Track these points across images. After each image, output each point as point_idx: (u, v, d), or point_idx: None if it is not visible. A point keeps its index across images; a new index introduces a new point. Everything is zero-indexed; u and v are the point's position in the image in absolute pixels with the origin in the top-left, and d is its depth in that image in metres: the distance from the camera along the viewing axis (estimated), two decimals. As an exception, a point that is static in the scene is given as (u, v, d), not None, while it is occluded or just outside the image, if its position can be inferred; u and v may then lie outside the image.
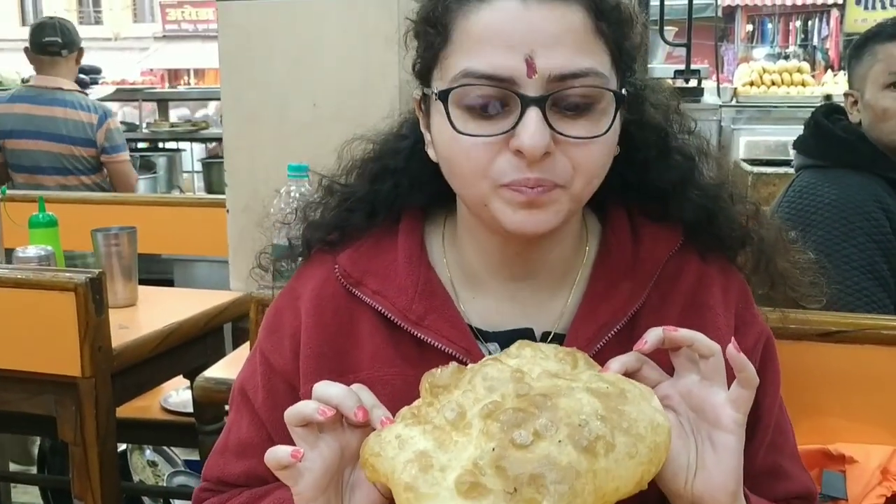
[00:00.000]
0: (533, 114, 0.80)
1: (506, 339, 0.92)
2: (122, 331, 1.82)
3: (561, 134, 0.82)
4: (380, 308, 0.91)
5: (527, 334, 0.92)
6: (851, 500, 1.21)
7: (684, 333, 0.81)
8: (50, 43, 3.46)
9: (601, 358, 0.88)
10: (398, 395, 0.88)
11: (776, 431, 0.97)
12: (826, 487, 1.22)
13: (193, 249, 2.87)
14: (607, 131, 0.84)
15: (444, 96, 0.84)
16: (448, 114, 0.84)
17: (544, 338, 0.93)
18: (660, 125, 0.97)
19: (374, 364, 0.91)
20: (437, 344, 0.89)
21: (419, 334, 0.90)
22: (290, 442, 0.87)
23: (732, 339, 0.81)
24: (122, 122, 6.54)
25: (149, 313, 2.02)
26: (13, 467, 3.07)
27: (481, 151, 0.83)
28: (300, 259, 1.03)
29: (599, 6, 0.84)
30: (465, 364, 0.86)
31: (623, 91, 0.87)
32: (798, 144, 1.91)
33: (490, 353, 0.91)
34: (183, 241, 2.72)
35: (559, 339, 0.92)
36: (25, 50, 3.50)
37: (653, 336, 0.81)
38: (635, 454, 0.69)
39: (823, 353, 1.28)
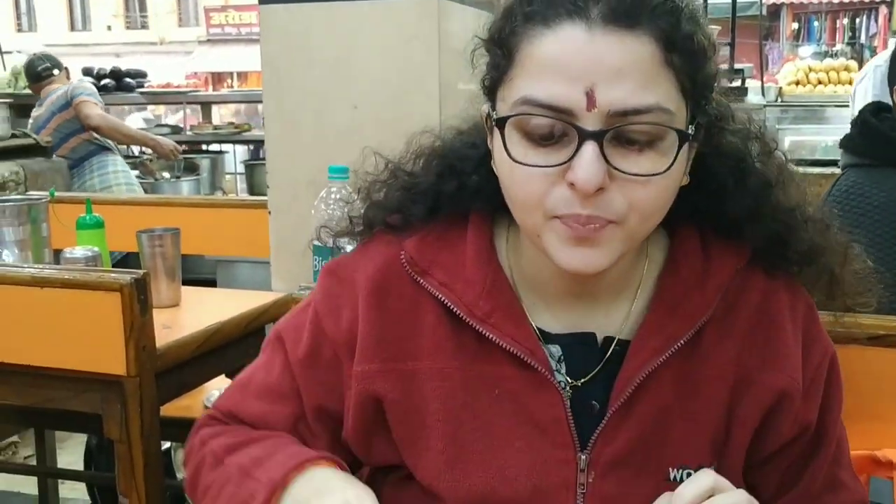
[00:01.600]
0: (589, 148, 0.79)
1: (567, 342, 0.91)
2: (166, 331, 1.84)
3: (618, 170, 0.80)
4: (445, 300, 0.90)
5: (589, 339, 0.92)
6: (900, 507, 1.19)
7: None
8: (44, 69, 4.72)
9: (664, 371, 0.88)
10: (457, 390, 0.89)
11: (837, 445, 0.97)
12: (873, 494, 1.20)
13: (235, 250, 2.90)
14: (668, 169, 0.81)
15: (501, 123, 0.83)
16: (504, 141, 0.83)
17: (607, 343, 0.92)
18: (737, 152, 0.94)
19: (434, 355, 0.90)
20: (501, 343, 0.88)
21: (484, 331, 0.89)
22: (316, 409, 0.95)
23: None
24: (166, 125, 6.67)
25: (192, 314, 2.04)
26: (60, 463, 3.13)
27: (536, 182, 0.82)
28: (359, 238, 1.03)
29: (671, 37, 0.80)
30: (529, 364, 0.87)
31: (691, 129, 0.83)
32: (845, 143, 1.88)
33: (552, 356, 0.90)
34: (225, 243, 2.75)
35: (623, 346, 0.91)
36: (29, 87, 4.45)
37: None
38: None
39: (872, 356, 1.25)
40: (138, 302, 1.61)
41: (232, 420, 1.01)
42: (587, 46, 0.78)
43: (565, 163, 0.80)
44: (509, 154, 0.82)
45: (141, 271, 1.65)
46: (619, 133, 0.79)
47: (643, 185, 0.80)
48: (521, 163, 0.81)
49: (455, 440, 0.90)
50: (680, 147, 0.81)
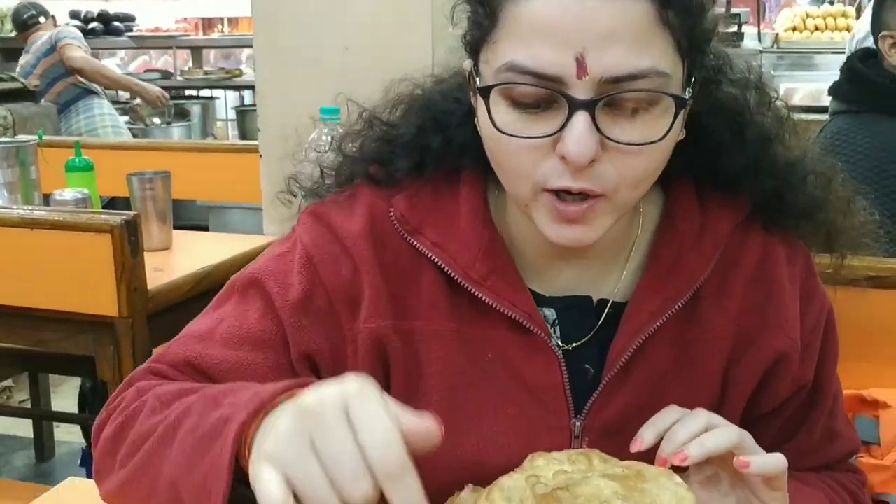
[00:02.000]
0: (581, 118, 0.74)
1: (562, 304, 0.89)
2: (157, 273, 1.85)
3: (610, 139, 0.75)
4: (439, 262, 0.87)
5: (584, 302, 0.90)
6: (884, 444, 1.20)
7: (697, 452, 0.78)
8: (30, 16, 4.64)
9: (660, 335, 0.86)
10: (453, 353, 0.86)
11: (833, 399, 0.96)
12: (859, 433, 1.21)
13: (227, 196, 2.89)
14: (663, 137, 0.77)
15: (486, 92, 0.78)
16: (489, 110, 0.78)
17: (601, 306, 0.90)
18: (735, 105, 0.90)
19: (431, 316, 0.87)
20: (497, 306, 0.85)
21: (480, 294, 0.85)
22: (305, 357, 0.85)
23: (741, 459, 0.79)
24: (156, 70, 6.59)
25: (183, 257, 2.05)
26: (55, 407, 3.15)
27: (525, 154, 0.77)
28: (334, 190, 0.96)
29: None
30: (526, 328, 0.85)
31: (688, 92, 0.79)
32: (833, 90, 1.87)
33: (546, 319, 0.88)
34: (216, 187, 2.74)
35: (618, 309, 0.88)
36: (17, 36, 4.36)
37: (649, 437, 0.81)
38: None
39: (857, 298, 1.26)
40: (129, 243, 1.61)
41: (187, 371, 0.87)
42: (575, 6, 0.72)
43: (555, 133, 0.75)
44: (495, 125, 0.77)
45: (131, 212, 1.64)
46: (612, 101, 0.74)
47: (635, 155, 0.76)
48: (508, 134, 0.77)
49: (447, 405, 0.86)
50: (677, 114, 0.77)
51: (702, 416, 0.80)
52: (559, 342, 0.88)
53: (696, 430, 0.78)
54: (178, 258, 2.04)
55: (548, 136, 0.76)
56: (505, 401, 0.87)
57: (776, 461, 0.79)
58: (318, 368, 0.88)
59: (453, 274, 0.86)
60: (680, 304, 0.86)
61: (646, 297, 0.86)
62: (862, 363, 1.28)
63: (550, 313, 0.89)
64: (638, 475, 0.72)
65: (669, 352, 0.88)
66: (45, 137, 2.69)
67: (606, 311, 0.89)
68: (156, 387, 0.82)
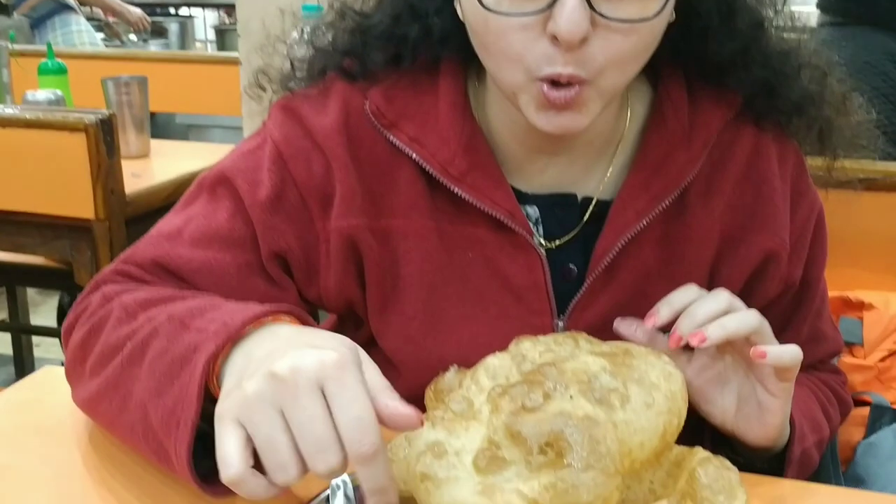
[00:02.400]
0: None
1: (546, 203, 0.86)
2: (135, 179, 1.81)
3: (602, 15, 0.71)
4: (416, 158, 0.83)
5: (568, 199, 0.87)
6: (867, 345, 1.21)
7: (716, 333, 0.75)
8: None
9: (646, 234, 0.84)
10: (433, 252, 0.84)
11: (820, 299, 0.95)
12: (843, 333, 1.21)
13: (206, 107, 2.82)
14: (656, 15, 0.73)
15: None
16: None
17: (586, 203, 0.87)
18: None
19: (409, 213, 0.84)
20: (478, 204, 0.82)
21: (460, 192, 0.82)
22: (276, 257, 0.83)
23: (758, 349, 0.76)
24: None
25: (162, 164, 2.01)
26: (34, 322, 3.13)
27: (514, 34, 0.73)
28: (306, 84, 0.91)
29: None
30: (508, 227, 0.83)
31: None
32: (820, 2, 1.85)
33: (529, 217, 0.86)
34: (196, 100, 2.67)
35: (603, 207, 0.86)
36: None
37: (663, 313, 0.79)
38: (652, 403, 0.65)
39: (848, 202, 1.24)
40: (104, 143, 1.56)
41: (155, 272, 0.84)
42: None
43: (545, 9, 0.71)
44: (482, 2, 0.73)
45: (106, 111, 1.60)
46: None
47: (625, 35, 0.73)
48: (496, 11, 0.73)
49: (427, 306, 0.85)
50: None
51: (723, 297, 0.77)
52: (542, 241, 0.86)
53: (716, 312, 0.76)
54: (157, 165, 2.00)
55: (538, 12, 0.72)
56: (486, 301, 0.85)
57: (792, 353, 0.76)
58: (289, 267, 0.86)
59: (431, 171, 0.83)
60: (667, 202, 0.84)
61: (633, 194, 0.84)
62: (848, 267, 1.27)
63: (533, 211, 0.86)
64: (626, 353, 0.71)
65: (655, 251, 0.86)
66: (17, 47, 2.61)
67: (591, 208, 0.86)
68: (121, 294, 0.80)
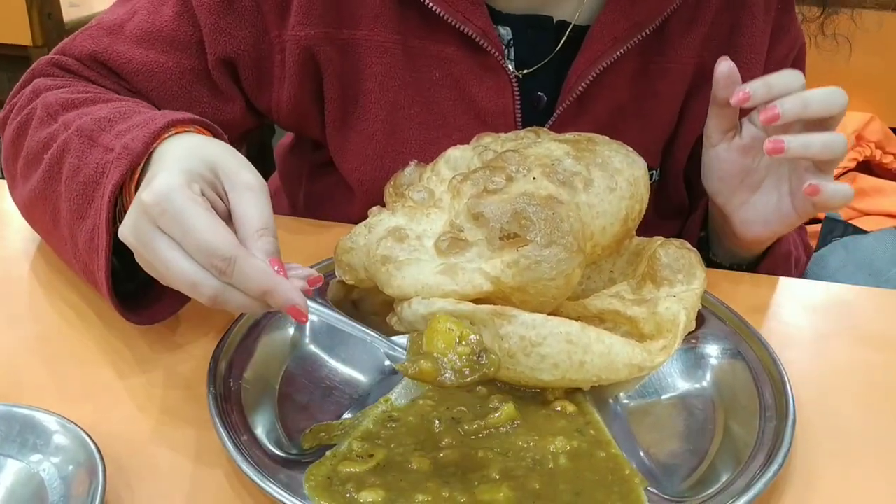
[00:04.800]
0: None
1: (520, 23, 0.81)
2: (73, 8, 1.71)
3: None
4: None
5: (543, 22, 0.82)
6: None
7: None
8: None
9: (622, 64, 0.80)
10: (396, 68, 0.80)
11: None
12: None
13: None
14: None
15: None
16: None
17: (562, 29, 0.82)
18: None
19: (373, 26, 0.79)
20: (449, 19, 0.77)
21: (430, 4, 0.77)
22: (223, 63, 0.78)
23: (811, 184, 0.71)
24: None
25: (101, -5, 1.90)
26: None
27: None
28: None
29: None
30: (479, 46, 0.78)
31: None
32: None
33: (501, 38, 0.81)
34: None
35: (580, 32, 0.81)
36: None
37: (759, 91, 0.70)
38: (615, 187, 0.63)
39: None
40: (38, -37, 1.47)
41: (92, 67, 0.80)
42: None
43: None
44: None
45: (37, -73, 1.49)
46: None
47: None
48: None
49: (387, 126, 0.82)
50: None
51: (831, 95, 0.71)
52: (513, 65, 0.82)
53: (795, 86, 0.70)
54: (96, -4, 1.89)
55: None
56: (449, 125, 0.82)
57: (845, 192, 0.72)
58: (237, 75, 0.82)
59: None
60: (648, 30, 0.80)
61: (612, 19, 0.79)
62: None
63: (506, 32, 0.82)
64: (589, 140, 0.69)
65: (630, 85, 0.83)
66: None
67: (567, 34, 0.82)
68: (48, 90, 0.76)
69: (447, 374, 0.53)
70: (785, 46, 0.88)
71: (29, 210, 0.75)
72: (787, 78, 0.70)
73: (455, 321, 0.55)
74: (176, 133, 0.64)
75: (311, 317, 0.55)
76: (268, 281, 0.52)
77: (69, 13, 1.66)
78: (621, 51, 0.79)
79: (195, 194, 0.54)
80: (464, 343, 0.54)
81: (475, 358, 0.54)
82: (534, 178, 0.62)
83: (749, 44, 0.84)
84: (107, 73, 0.80)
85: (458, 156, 0.69)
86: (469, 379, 0.53)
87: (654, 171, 0.87)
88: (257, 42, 0.80)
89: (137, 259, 0.56)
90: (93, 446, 0.49)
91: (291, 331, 0.65)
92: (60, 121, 0.71)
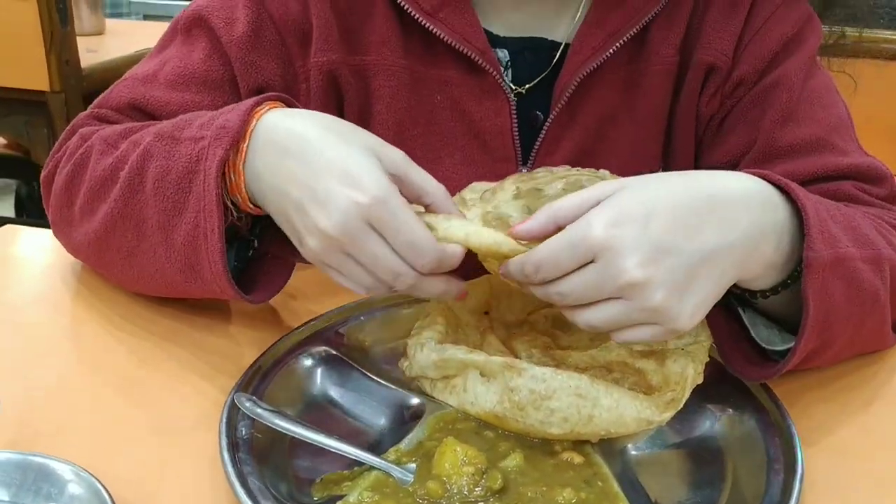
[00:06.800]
0: None
1: (516, 46, 0.85)
2: (91, 54, 1.75)
3: None
4: None
5: (537, 43, 0.86)
6: None
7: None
8: None
9: (607, 73, 0.82)
10: (402, 91, 0.83)
11: (802, 104, 0.84)
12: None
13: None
14: None
15: None
16: None
17: (555, 47, 0.86)
18: None
19: (382, 50, 0.83)
20: (450, 41, 0.81)
21: (433, 28, 0.81)
22: (257, 93, 0.79)
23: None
24: None
25: (118, 41, 1.94)
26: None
27: None
28: None
29: None
30: (479, 67, 0.81)
31: None
32: None
33: (500, 60, 0.84)
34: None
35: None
36: None
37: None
38: None
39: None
40: (57, 11, 1.50)
41: (132, 115, 0.83)
42: None
43: None
44: None
45: (58, -23, 1.53)
46: None
47: None
48: None
49: (393, 144, 0.82)
50: None
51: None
52: (511, 86, 0.85)
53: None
54: (112, 42, 1.94)
55: None
56: (451, 145, 0.85)
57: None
58: None
59: (405, 4, 0.81)
60: (625, 39, 0.82)
61: (589, 32, 0.83)
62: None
63: (503, 54, 0.85)
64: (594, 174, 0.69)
65: (617, 93, 0.85)
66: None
67: (559, 53, 0.85)
68: (98, 132, 0.78)
69: (454, 493, 0.54)
70: (776, 33, 0.84)
71: (99, 243, 0.76)
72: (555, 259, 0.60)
73: (462, 445, 0.56)
74: (269, 109, 0.68)
75: (324, 366, 0.57)
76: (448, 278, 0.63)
77: (86, 59, 1.70)
78: (600, 60, 0.82)
79: (400, 195, 0.61)
80: (470, 464, 0.55)
81: (479, 478, 0.55)
82: (574, 183, 0.63)
83: (722, 29, 0.84)
84: (146, 119, 0.82)
85: (481, 187, 0.69)
86: (473, 496, 0.54)
87: None
88: (284, 73, 0.83)
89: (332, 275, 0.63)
90: (106, 495, 0.50)
91: (303, 380, 0.66)
92: (126, 144, 0.74)
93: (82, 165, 0.77)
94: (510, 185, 0.63)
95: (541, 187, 0.62)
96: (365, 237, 0.60)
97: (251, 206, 0.68)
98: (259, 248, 0.75)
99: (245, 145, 0.66)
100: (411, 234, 0.60)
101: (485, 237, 0.59)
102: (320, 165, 0.62)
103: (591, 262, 0.56)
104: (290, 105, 0.71)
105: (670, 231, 0.56)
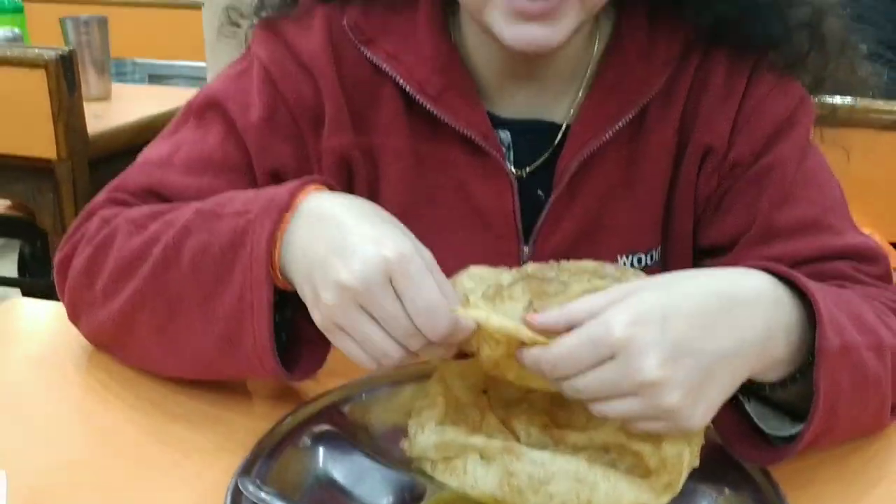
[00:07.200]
0: None
1: (518, 128, 0.87)
2: (97, 120, 1.78)
3: None
4: (394, 75, 0.83)
5: (539, 126, 0.87)
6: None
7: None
8: None
9: (607, 154, 0.84)
10: (408, 172, 0.85)
11: (797, 185, 0.84)
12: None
13: (168, 53, 2.77)
14: None
15: None
16: None
17: (555, 130, 0.87)
18: None
19: (389, 131, 0.85)
20: (453, 124, 0.83)
21: (436, 111, 0.83)
22: (272, 178, 0.82)
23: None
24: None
25: (124, 107, 1.97)
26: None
27: None
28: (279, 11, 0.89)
29: None
30: (481, 149, 0.83)
31: None
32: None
33: (502, 142, 0.86)
34: (157, 45, 2.62)
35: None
36: None
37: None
38: None
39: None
40: (65, 80, 1.53)
41: (149, 200, 0.83)
42: None
43: None
44: None
45: (66, 48, 1.56)
46: None
47: None
48: None
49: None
50: None
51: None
52: (513, 167, 0.87)
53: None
54: (119, 108, 1.97)
55: None
56: (454, 225, 0.86)
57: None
58: None
59: (409, 88, 0.83)
60: (624, 121, 0.84)
61: (589, 115, 0.85)
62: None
63: (505, 136, 0.87)
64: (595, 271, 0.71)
65: (617, 173, 0.86)
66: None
67: (560, 134, 0.87)
68: (123, 212, 0.79)
69: None
70: (767, 126, 0.85)
71: (124, 321, 0.77)
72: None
73: None
74: (316, 189, 0.71)
75: (326, 445, 0.61)
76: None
77: (93, 125, 1.73)
78: (601, 140, 0.83)
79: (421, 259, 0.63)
80: None
81: None
82: (588, 280, 0.64)
83: (718, 111, 0.85)
84: (142, 202, 0.83)
85: (479, 273, 0.70)
86: None
87: (655, 251, 0.89)
88: (298, 155, 0.85)
89: (344, 342, 0.64)
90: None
91: (306, 460, 0.67)
92: (157, 224, 0.75)
93: (106, 246, 0.77)
94: (520, 292, 0.63)
95: (552, 294, 0.63)
96: (383, 293, 0.61)
97: (280, 276, 0.68)
98: (292, 331, 0.75)
99: (289, 215, 0.68)
100: (430, 299, 0.61)
101: (507, 321, 0.60)
102: (353, 228, 0.65)
103: (609, 359, 0.57)
104: (330, 188, 0.73)
105: (689, 332, 0.58)
